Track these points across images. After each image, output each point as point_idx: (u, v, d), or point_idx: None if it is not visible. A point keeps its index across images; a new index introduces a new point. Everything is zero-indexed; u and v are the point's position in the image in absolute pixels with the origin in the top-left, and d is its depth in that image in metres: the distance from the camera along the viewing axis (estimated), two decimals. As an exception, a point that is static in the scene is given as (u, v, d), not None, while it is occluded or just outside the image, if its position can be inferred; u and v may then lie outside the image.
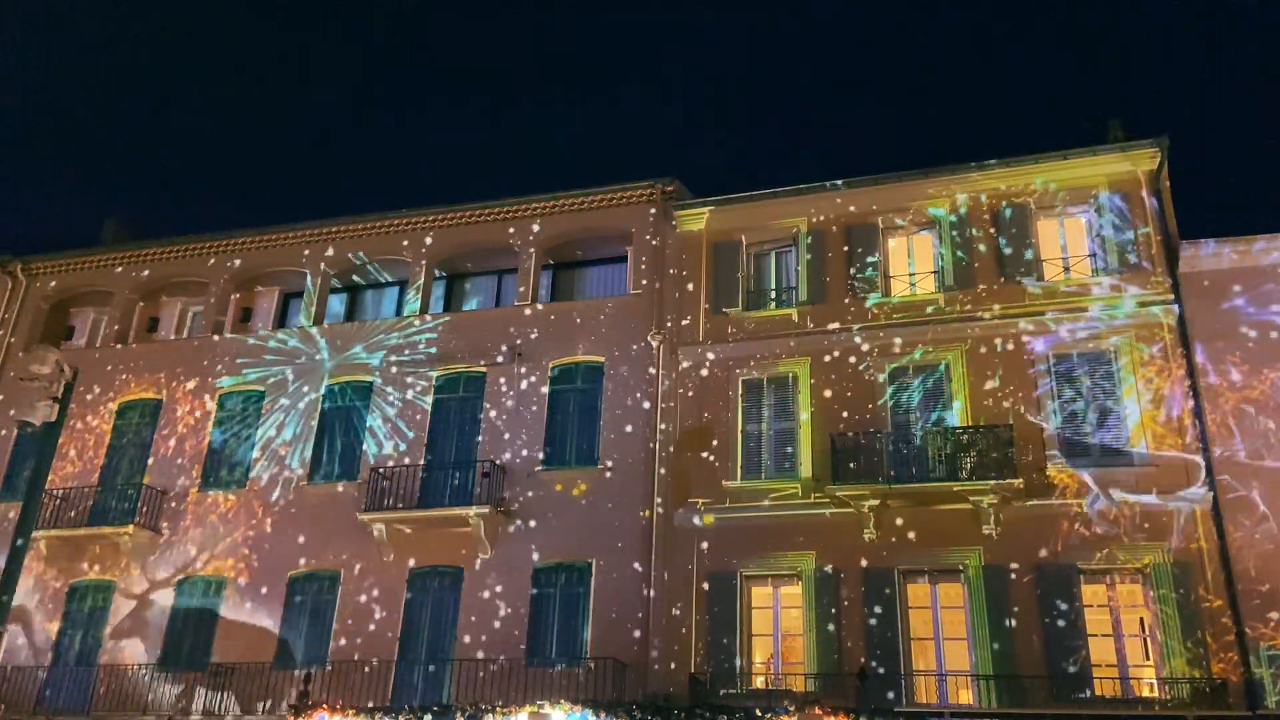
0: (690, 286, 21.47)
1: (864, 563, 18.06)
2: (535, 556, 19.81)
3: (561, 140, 79.22)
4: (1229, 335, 18.05)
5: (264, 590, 20.97)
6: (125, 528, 21.64)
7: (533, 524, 20.08)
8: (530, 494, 20.35)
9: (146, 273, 25.62)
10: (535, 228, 23.01)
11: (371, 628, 20.02)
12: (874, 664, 17.07)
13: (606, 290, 22.68)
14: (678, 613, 18.65)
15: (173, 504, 22.36)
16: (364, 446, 21.80)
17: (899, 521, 18.13)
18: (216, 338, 24.29)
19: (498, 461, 20.56)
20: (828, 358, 19.86)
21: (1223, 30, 70.06)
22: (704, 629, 18.41)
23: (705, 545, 19.03)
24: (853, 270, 20.54)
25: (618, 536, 19.50)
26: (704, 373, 20.50)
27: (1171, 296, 18.51)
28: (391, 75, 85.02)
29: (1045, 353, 18.77)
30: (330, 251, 24.34)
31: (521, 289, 22.69)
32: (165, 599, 21.50)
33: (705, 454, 19.78)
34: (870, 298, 20.22)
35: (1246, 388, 17.64)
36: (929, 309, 19.79)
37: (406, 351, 22.51)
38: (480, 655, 18.94)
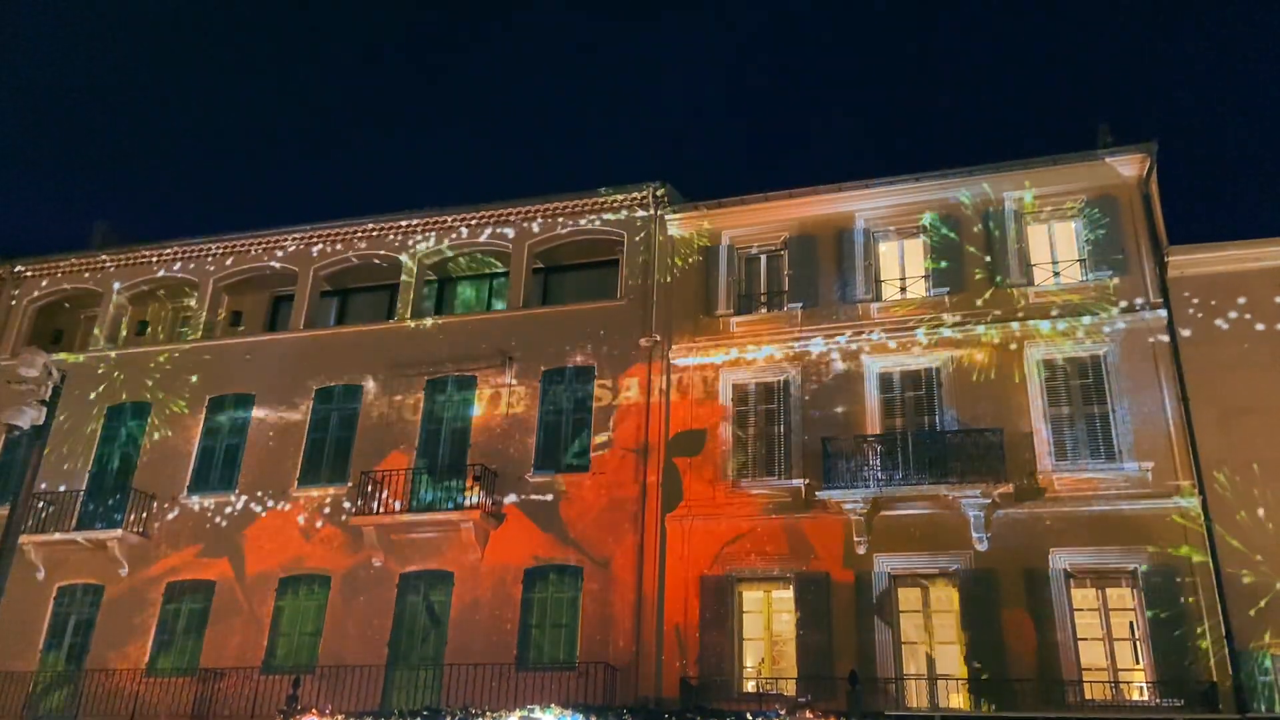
0: (681, 290, 21.46)
1: (855, 567, 18.07)
2: (526, 560, 19.77)
3: (552, 144, 79.25)
4: (1218, 340, 18.13)
5: (253, 594, 20.89)
6: (113, 532, 21.55)
7: (524, 528, 20.04)
8: (521, 498, 20.33)
9: (136, 276, 25.54)
10: (526, 231, 23.01)
11: (362, 631, 19.95)
12: (864, 668, 17.04)
13: (597, 294, 22.66)
14: (669, 617, 18.63)
15: (162, 507, 22.26)
16: (354, 450, 21.73)
17: (890, 525, 18.14)
18: (206, 341, 24.21)
19: (489, 465, 20.53)
20: (818, 361, 19.88)
21: (1212, 36, 70.45)
22: (695, 633, 18.39)
23: (696, 549, 19.01)
24: (843, 274, 20.58)
25: (609, 540, 19.48)
26: (695, 376, 20.50)
27: (1161, 301, 18.58)
28: (382, 78, 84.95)
29: (1035, 357, 18.82)
30: (320, 255, 24.30)
31: (512, 293, 22.68)
32: (153, 603, 21.40)
33: (696, 458, 19.77)
34: (860, 302, 20.25)
35: (1235, 392, 17.70)
36: (919, 313, 19.83)
37: (397, 355, 22.46)
38: (471, 659, 18.88)
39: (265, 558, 21.18)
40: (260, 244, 24.82)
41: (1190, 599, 16.48)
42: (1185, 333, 18.29)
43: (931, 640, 17.67)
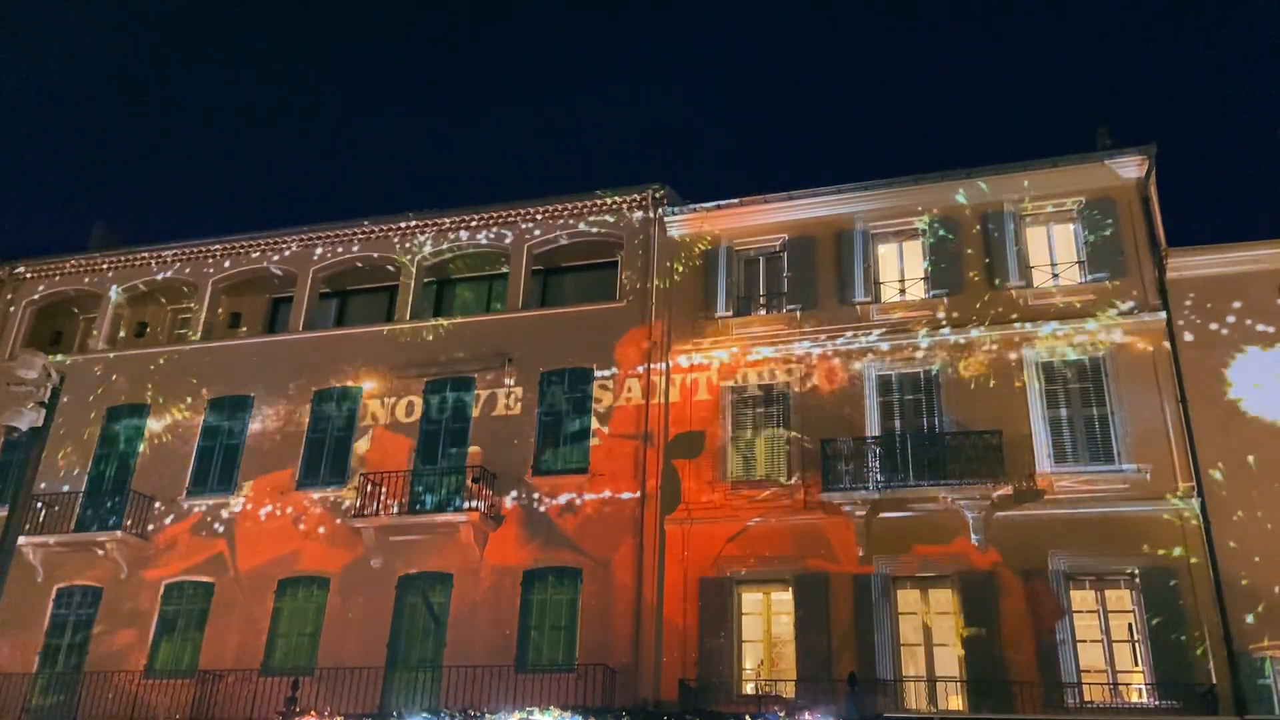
0: (680, 292, 21.46)
1: (854, 568, 18.06)
2: (525, 562, 19.76)
3: (551, 146, 79.28)
4: (1216, 342, 18.14)
5: (252, 595, 20.87)
6: (112, 533, 21.53)
7: (523, 529, 20.05)
8: (520, 499, 20.33)
9: (135, 277, 25.52)
10: (525, 233, 23.01)
11: (361, 633, 19.94)
12: (864, 670, 17.02)
13: (597, 296, 22.63)
14: (668, 618, 18.62)
15: (160, 509, 22.24)
16: (353, 452, 21.72)
17: (889, 527, 18.13)
18: (205, 343, 24.20)
19: (487, 467, 20.52)
20: (818, 363, 19.88)
21: (1212, 36, 70.51)
22: (694, 635, 18.38)
23: (695, 551, 19.00)
24: (842, 276, 20.58)
25: (608, 542, 19.47)
26: (694, 378, 20.50)
27: (1159, 303, 18.59)
28: (382, 78, 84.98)
29: (1034, 359, 18.82)
30: (320, 256, 24.30)
31: (511, 294, 22.68)
32: (152, 605, 21.39)
33: (695, 459, 19.76)
34: (859, 304, 20.24)
35: (1233, 394, 17.71)
36: (918, 315, 19.83)
37: (396, 357, 22.45)
38: (470, 661, 18.87)
39: (264, 559, 21.16)
40: (259, 245, 24.80)
41: (1189, 601, 16.47)
42: (1184, 335, 18.29)
43: (930, 642, 17.67)
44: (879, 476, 18.23)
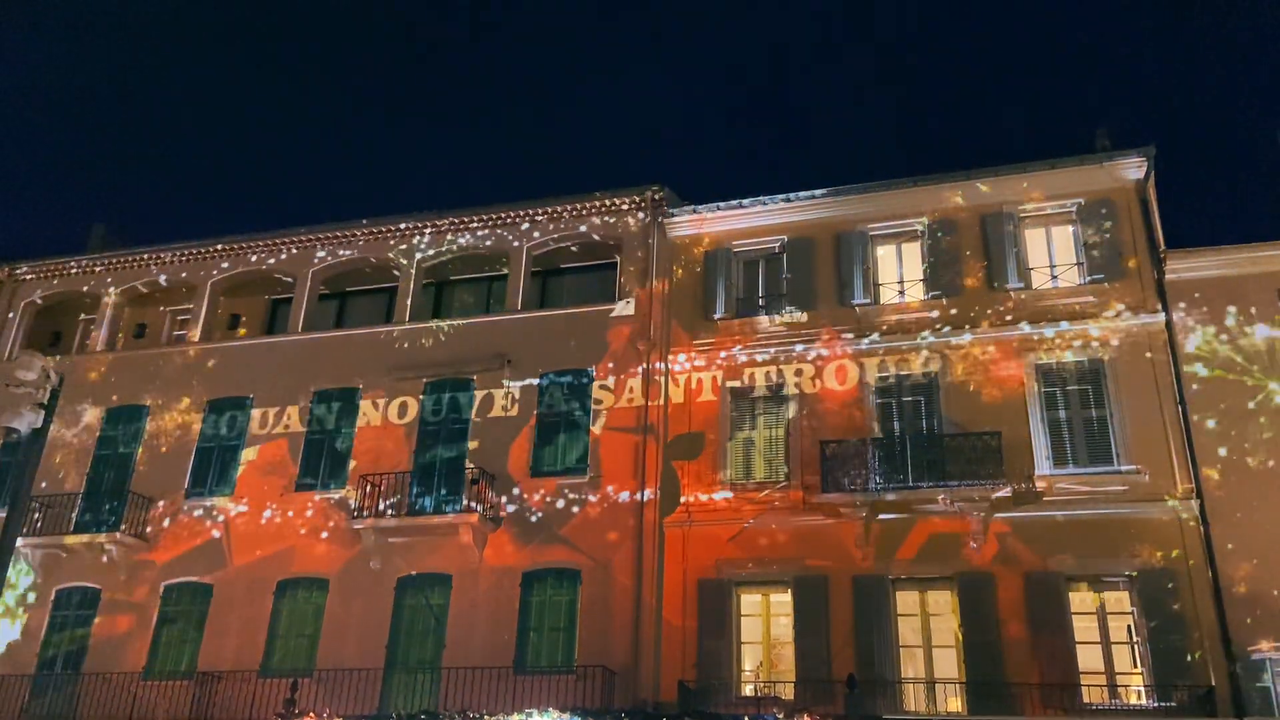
0: (679, 293, 21.46)
1: (853, 570, 18.06)
2: (524, 563, 19.76)
3: (551, 146, 79.32)
4: (1215, 344, 18.15)
5: (251, 597, 20.86)
6: (111, 535, 21.51)
7: (521, 531, 20.04)
8: (519, 501, 20.32)
9: (133, 279, 25.51)
10: (525, 235, 23.00)
11: (360, 634, 19.92)
12: (863, 672, 17.01)
13: (596, 297, 22.61)
14: (667, 620, 18.61)
15: (159, 510, 22.22)
16: (352, 453, 21.71)
17: (888, 529, 18.13)
18: (204, 344, 24.18)
19: (487, 468, 20.51)
20: (817, 365, 19.88)
21: (1210, 38, 70.59)
22: (693, 636, 18.37)
23: (695, 552, 18.99)
24: (841, 278, 20.58)
25: (607, 543, 19.46)
26: (693, 379, 20.50)
27: (1158, 305, 18.59)
28: (381, 79, 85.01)
29: (1033, 361, 18.83)
30: (319, 258, 24.29)
31: (511, 295, 22.67)
32: (151, 606, 21.37)
33: (694, 461, 19.76)
34: (858, 305, 20.25)
35: (1232, 396, 17.72)
36: (917, 317, 19.83)
37: (394, 358, 22.45)
38: (469, 663, 18.86)
39: (263, 560, 21.14)
40: (258, 247, 24.80)
41: (1187, 602, 16.47)
42: (1183, 336, 18.30)
43: (930, 644, 17.66)
44: (878, 478, 18.23)
